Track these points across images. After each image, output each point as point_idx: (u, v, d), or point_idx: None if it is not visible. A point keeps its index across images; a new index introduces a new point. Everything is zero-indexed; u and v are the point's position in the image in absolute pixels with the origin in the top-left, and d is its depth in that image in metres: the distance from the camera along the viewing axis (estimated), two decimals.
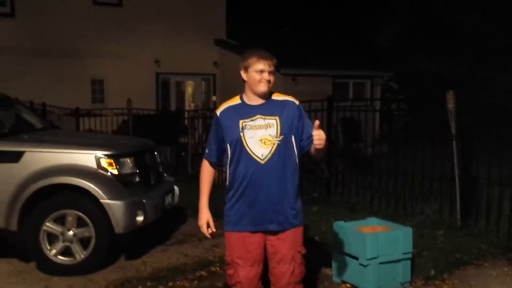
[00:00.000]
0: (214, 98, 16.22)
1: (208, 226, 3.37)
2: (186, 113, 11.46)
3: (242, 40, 15.61)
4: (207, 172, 3.40)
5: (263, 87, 3.18)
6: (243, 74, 3.24)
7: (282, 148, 3.19)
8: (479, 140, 6.24)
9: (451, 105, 6.04)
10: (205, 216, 3.36)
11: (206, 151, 3.41)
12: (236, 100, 3.31)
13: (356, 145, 9.67)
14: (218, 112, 3.33)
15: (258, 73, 3.17)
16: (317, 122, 3.11)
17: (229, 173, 3.29)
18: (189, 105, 16.26)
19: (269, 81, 3.18)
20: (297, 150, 3.26)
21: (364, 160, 8.82)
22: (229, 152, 3.25)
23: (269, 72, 3.18)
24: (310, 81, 14.26)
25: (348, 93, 15.80)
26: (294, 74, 14.17)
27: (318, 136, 3.08)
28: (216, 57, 16.00)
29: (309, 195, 6.08)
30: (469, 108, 6.51)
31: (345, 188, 7.59)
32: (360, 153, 9.42)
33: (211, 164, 3.39)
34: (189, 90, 16.69)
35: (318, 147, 3.10)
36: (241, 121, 3.20)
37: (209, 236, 3.41)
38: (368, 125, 7.41)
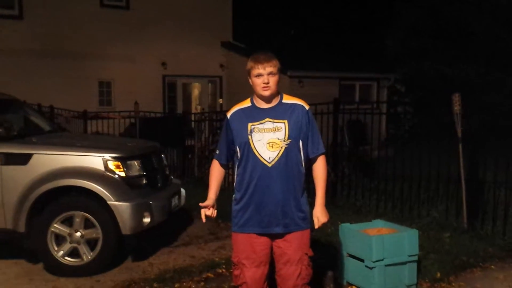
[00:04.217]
0: (220, 100, 16.27)
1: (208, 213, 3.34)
2: (192, 115, 11.49)
3: (248, 42, 15.66)
4: (216, 170, 3.43)
5: (263, 91, 3.20)
6: (249, 80, 3.27)
7: (289, 152, 3.21)
8: (486, 143, 6.23)
9: (457, 107, 6.03)
10: (209, 202, 3.32)
11: (217, 152, 3.45)
12: (246, 103, 3.34)
13: (362, 148, 9.67)
14: (228, 114, 3.36)
15: (257, 77, 3.20)
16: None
17: (237, 175, 3.33)
18: (195, 107, 16.31)
19: (268, 84, 3.18)
20: (303, 154, 3.28)
21: (370, 163, 8.82)
22: (238, 154, 3.28)
23: (269, 75, 3.18)
24: (316, 83, 14.27)
25: (354, 95, 15.80)
26: (300, 76, 14.18)
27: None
28: (222, 60, 16.05)
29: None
30: (476, 110, 6.50)
31: (351, 190, 7.60)
32: (366, 156, 9.41)
33: (221, 165, 3.43)
34: (195, 92, 16.75)
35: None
36: (249, 124, 3.23)
37: (203, 216, 3.33)
38: (374, 128, 7.42)
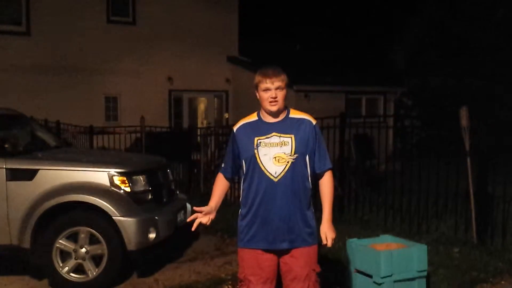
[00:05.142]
0: (226, 115, 16.30)
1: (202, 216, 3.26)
2: (198, 130, 11.49)
3: (254, 57, 15.70)
4: (220, 182, 3.40)
5: (270, 106, 3.18)
6: (256, 94, 3.26)
7: (295, 167, 3.18)
8: (494, 157, 6.18)
9: (464, 121, 6.00)
10: (206, 208, 3.26)
11: (223, 165, 3.43)
12: (253, 117, 3.33)
13: (369, 162, 9.61)
14: (234, 128, 3.35)
15: (264, 92, 3.18)
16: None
17: (242, 189, 3.31)
18: (201, 122, 16.33)
19: (275, 99, 3.17)
20: (310, 169, 3.26)
21: (377, 177, 8.76)
22: (244, 168, 3.26)
23: (277, 89, 3.17)
24: (323, 97, 14.27)
25: (361, 109, 15.77)
26: (306, 90, 14.20)
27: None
28: (228, 74, 16.11)
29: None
30: (484, 124, 6.46)
31: (359, 205, 7.55)
32: (373, 170, 9.36)
33: (226, 179, 3.41)
34: (201, 107, 16.79)
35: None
36: (256, 138, 3.21)
37: (196, 224, 3.26)
38: (381, 142, 7.39)
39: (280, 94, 3.18)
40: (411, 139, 8.30)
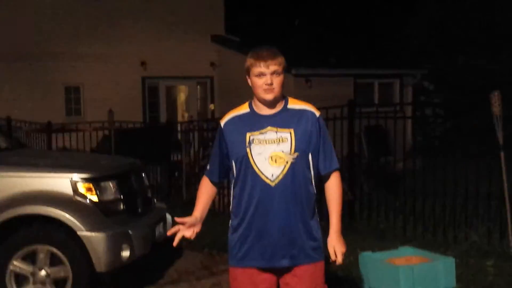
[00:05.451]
0: (212, 106, 16.31)
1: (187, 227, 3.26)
2: (179, 125, 11.51)
3: (245, 36, 15.74)
4: (205, 188, 3.41)
5: (265, 94, 3.17)
6: (248, 80, 3.25)
7: (296, 168, 3.18)
8: None
9: (496, 108, 6.03)
10: (188, 219, 3.26)
11: (208, 167, 3.42)
12: (244, 109, 3.32)
13: (384, 159, 9.65)
14: (222, 122, 3.34)
15: (258, 77, 3.17)
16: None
17: (233, 196, 3.30)
18: (182, 115, 16.34)
19: (271, 86, 3.16)
20: (313, 170, 3.26)
21: (394, 177, 8.79)
22: (234, 171, 3.26)
23: (273, 74, 3.15)
24: (327, 82, 14.31)
25: (373, 96, 15.79)
26: (307, 75, 14.23)
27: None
28: (213, 57, 16.09)
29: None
30: None
31: (373, 211, 7.57)
32: (389, 169, 9.40)
33: (212, 183, 3.41)
34: (182, 96, 16.79)
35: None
36: (248, 134, 3.21)
37: (177, 238, 3.24)
38: (398, 135, 7.41)
39: (277, 80, 3.17)
40: (433, 130, 8.33)
